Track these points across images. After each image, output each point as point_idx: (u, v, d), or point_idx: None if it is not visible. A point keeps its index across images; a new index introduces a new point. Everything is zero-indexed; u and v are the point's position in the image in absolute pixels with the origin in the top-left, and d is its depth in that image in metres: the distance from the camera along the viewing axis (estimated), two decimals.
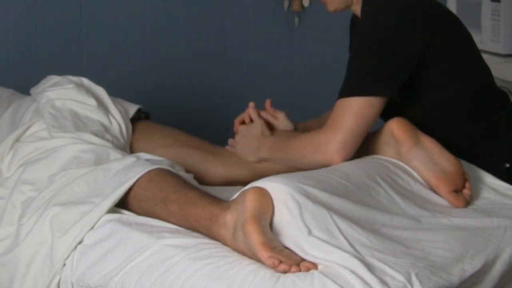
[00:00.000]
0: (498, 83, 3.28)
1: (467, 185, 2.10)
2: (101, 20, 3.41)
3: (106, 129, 2.33)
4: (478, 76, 2.34)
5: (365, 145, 2.18)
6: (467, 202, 2.08)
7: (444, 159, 2.10)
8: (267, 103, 2.42)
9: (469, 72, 2.31)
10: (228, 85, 3.72)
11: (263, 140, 2.29)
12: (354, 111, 2.10)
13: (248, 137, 2.33)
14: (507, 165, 2.31)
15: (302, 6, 3.78)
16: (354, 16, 2.44)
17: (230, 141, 2.41)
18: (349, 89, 2.13)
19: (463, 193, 2.09)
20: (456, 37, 2.30)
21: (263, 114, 2.41)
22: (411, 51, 2.15)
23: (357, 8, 2.34)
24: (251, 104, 2.42)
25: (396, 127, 2.12)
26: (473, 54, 2.36)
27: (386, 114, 2.19)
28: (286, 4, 3.78)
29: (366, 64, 2.15)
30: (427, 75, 2.21)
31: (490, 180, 2.21)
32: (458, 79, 2.27)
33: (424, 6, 2.23)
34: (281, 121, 2.40)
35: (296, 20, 3.80)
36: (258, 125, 2.35)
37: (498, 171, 2.27)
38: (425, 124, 2.19)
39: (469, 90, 2.29)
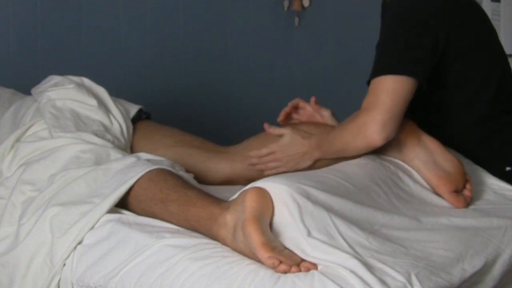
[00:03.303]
0: None
1: (467, 186, 2.10)
2: (101, 20, 3.41)
3: (107, 129, 2.33)
4: (495, 77, 2.30)
5: None
6: (467, 203, 2.08)
7: (445, 159, 2.10)
8: (312, 101, 2.37)
9: (487, 72, 2.28)
10: (228, 84, 3.72)
11: (308, 142, 2.24)
12: (388, 90, 2.06)
13: (289, 148, 2.27)
14: (508, 168, 2.30)
15: (302, 6, 3.78)
16: (384, 1, 2.41)
17: (254, 161, 2.33)
18: (382, 68, 2.10)
19: (463, 194, 2.09)
20: (479, 33, 2.29)
21: (309, 108, 2.37)
22: (439, 39, 2.14)
23: None
24: (298, 99, 2.38)
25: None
26: (496, 52, 2.33)
27: None
28: (286, 4, 3.79)
29: (397, 45, 2.12)
30: (446, 71, 2.20)
31: (490, 180, 2.21)
32: (474, 78, 2.25)
33: None
34: (327, 119, 2.37)
35: (296, 20, 3.80)
36: (289, 134, 2.28)
37: (499, 173, 2.27)
38: (434, 122, 2.19)
39: (483, 91, 2.27)
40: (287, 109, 2.38)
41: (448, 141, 2.23)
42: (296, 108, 2.38)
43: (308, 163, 2.24)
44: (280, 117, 2.39)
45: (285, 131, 2.29)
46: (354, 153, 2.11)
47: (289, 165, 2.25)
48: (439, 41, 2.14)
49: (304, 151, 2.24)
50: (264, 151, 2.27)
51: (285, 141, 2.27)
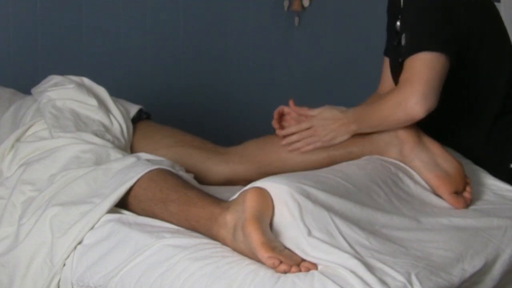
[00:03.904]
0: None
1: (468, 188, 2.10)
2: (101, 20, 3.41)
3: (107, 129, 2.33)
4: (505, 75, 2.32)
5: (368, 145, 2.18)
6: (467, 205, 2.08)
7: (446, 160, 2.11)
8: (291, 104, 2.36)
9: (499, 69, 2.30)
10: (228, 84, 3.72)
11: (345, 115, 2.23)
12: (425, 63, 2.09)
13: (328, 121, 2.26)
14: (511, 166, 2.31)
15: (302, 6, 3.78)
16: None
17: (279, 132, 2.33)
18: (418, 46, 2.13)
19: (463, 196, 2.09)
20: (496, 30, 2.32)
21: (292, 112, 2.36)
22: (462, 27, 2.18)
23: None
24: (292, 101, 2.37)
25: (400, 128, 2.13)
26: (508, 52, 2.35)
27: None
28: (286, 4, 3.79)
29: (430, 24, 2.15)
30: (462, 61, 2.21)
31: (490, 181, 2.22)
32: (488, 74, 2.27)
33: None
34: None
35: (296, 20, 3.81)
36: (327, 107, 2.28)
37: (502, 170, 2.28)
38: (442, 119, 2.20)
39: (494, 87, 2.30)
40: (275, 119, 2.37)
41: (453, 137, 2.24)
42: (282, 115, 2.38)
43: (345, 137, 2.23)
44: (276, 125, 2.36)
45: (321, 109, 2.30)
46: (394, 126, 2.13)
47: (326, 139, 2.25)
48: (462, 29, 2.18)
49: (341, 123, 2.23)
50: (304, 125, 2.27)
51: (324, 115, 2.26)
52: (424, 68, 2.09)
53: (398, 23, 2.33)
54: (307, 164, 2.23)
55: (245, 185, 1.89)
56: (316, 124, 2.26)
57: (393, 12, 2.41)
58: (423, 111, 2.07)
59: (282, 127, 2.36)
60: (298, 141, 2.27)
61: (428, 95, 2.07)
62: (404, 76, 2.12)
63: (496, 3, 3.47)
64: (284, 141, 2.28)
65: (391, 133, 2.15)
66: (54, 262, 1.92)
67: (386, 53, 2.52)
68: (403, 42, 2.24)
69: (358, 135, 2.25)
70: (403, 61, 2.16)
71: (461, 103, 2.28)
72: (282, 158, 2.29)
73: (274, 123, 2.36)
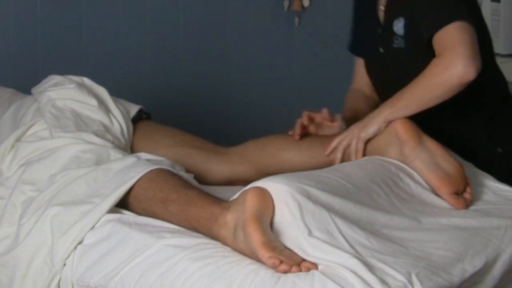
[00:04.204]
0: None
1: (468, 189, 2.10)
2: (101, 20, 3.41)
3: (107, 129, 2.33)
4: (493, 58, 2.39)
5: (369, 145, 2.18)
6: (467, 206, 2.08)
7: (446, 161, 2.11)
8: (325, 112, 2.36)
9: (487, 50, 2.32)
10: (228, 85, 3.72)
11: (371, 114, 2.22)
12: (462, 30, 2.12)
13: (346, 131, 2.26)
14: (500, 150, 2.35)
15: (302, 6, 3.78)
16: None
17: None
18: (446, 17, 2.16)
19: (463, 197, 2.09)
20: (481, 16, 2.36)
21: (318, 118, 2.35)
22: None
23: None
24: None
25: (400, 127, 2.13)
26: (488, 39, 2.39)
27: None
28: (286, 4, 3.78)
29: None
30: None
31: (490, 182, 2.22)
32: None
33: None
34: (336, 126, 2.35)
35: (296, 20, 3.80)
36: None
37: (491, 155, 2.32)
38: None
39: (484, 73, 2.28)
40: (303, 121, 2.33)
41: (442, 121, 2.29)
42: (312, 120, 2.34)
43: (375, 127, 2.18)
44: (298, 130, 2.32)
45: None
46: (443, 97, 2.13)
47: (361, 134, 2.19)
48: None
49: (370, 116, 2.21)
50: (334, 143, 2.23)
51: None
52: (463, 33, 2.12)
53: (382, 7, 2.34)
54: (306, 165, 2.23)
55: (245, 185, 1.89)
56: (342, 139, 2.23)
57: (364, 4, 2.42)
58: (474, 72, 2.09)
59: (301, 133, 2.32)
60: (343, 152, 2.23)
61: (476, 55, 2.10)
62: (444, 45, 2.13)
63: (496, 3, 3.48)
64: (337, 161, 2.22)
65: (391, 133, 2.15)
66: (54, 262, 1.92)
67: (353, 50, 2.54)
68: (396, 28, 2.26)
69: None
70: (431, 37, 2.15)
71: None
72: (281, 158, 2.29)
73: (297, 128, 2.32)
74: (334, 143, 2.23)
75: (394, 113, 2.17)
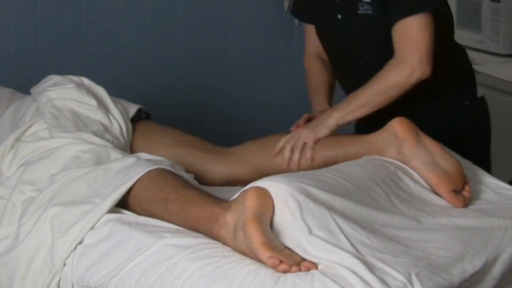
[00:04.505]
0: (498, 83, 3.30)
1: (466, 187, 2.10)
2: (101, 20, 3.41)
3: (107, 129, 2.33)
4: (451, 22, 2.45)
5: (367, 144, 2.18)
6: (466, 204, 2.08)
7: (444, 159, 2.11)
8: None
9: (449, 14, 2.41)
10: (228, 85, 3.72)
11: (322, 116, 2.28)
12: (422, 25, 2.21)
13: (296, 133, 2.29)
14: (467, 102, 2.43)
15: None
16: None
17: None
18: (410, 7, 2.22)
19: (462, 194, 2.09)
20: None
21: None
22: None
23: None
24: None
25: (398, 127, 2.13)
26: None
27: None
28: (286, 4, 3.78)
29: None
30: None
31: (490, 180, 2.22)
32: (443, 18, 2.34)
33: None
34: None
35: (296, 20, 3.80)
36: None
37: (458, 107, 2.41)
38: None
39: (448, 32, 2.41)
40: (300, 122, 2.37)
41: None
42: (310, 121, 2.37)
43: (329, 122, 2.24)
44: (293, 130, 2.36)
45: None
46: (398, 95, 2.23)
47: (310, 134, 2.24)
48: None
49: (316, 122, 2.25)
50: (280, 144, 2.27)
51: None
52: (423, 30, 2.22)
53: None
54: (304, 165, 2.23)
55: (244, 185, 1.89)
56: (290, 138, 2.27)
57: None
58: (429, 71, 2.22)
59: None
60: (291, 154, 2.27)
61: (431, 54, 2.21)
62: (402, 42, 2.22)
63: (496, 3, 3.48)
64: (285, 165, 2.26)
65: (389, 133, 2.15)
66: (54, 262, 1.92)
67: (301, 17, 2.57)
68: None
69: (356, 136, 2.24)
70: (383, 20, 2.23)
71: None
72: (280, 159, 2.29)
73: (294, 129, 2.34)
74: (281, 143, 2.27)
75: (347, 116, 2.25)
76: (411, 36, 2.22)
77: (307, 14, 2.52)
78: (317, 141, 2.24)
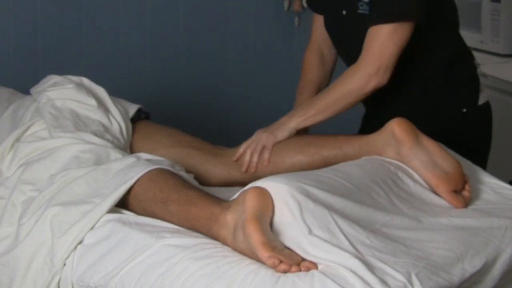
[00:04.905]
0: (498, 83, 3.29)
1: (466, 187, 2.10)
2: (101, 20, 3.41)
3: (106, 129, 2.33)
4: (456, 27, 2.44)
5: (366, 145, 2.18)
6: (466, 204, 2.08)
7: (444, 159, 2.10)
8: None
9: (453, 18, 2.41)
10: (228, 85, 3.72)
11: (282, 118, 2.30)
12: (392, 35, 2.21)
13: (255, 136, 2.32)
14: (464, 109, 2.41)
15: (302, 6, 3.78)
16: None
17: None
18: (384, 15, 2.23)
19: (462, 194, 2.09)
20: None
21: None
22: None
23: None
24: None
25: (397, 128, 2.12)
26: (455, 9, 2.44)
27: None
28: (286, 4, 3.79)
29: None
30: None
31: (490, 180, 2.21)
32: (443, 23, 2.35)
33: None
34: None
35: (296, 20, 3.81)
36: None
37: (455, 114, 2.40)
38: (403, 59, 2.27)
39: (450, 32, 2.40)
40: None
41: (409, 81, 2.36)
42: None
43: (283, 134, 2.28)
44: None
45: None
46: (356, 102, 2.26)
47: (268, 138, 2.27)
48: None
49: (274, 127, 2.28)
50: (241, 149, 2.31)
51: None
52: (391, 40, 2.21)
53: None
54: (302, 167, 2.23)
55: (243, 186, 1.89)
56: (249, 144, 2.31)
57: None
58: (386, 81, 2.23)
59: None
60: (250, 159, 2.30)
61: (392, 65, 2.23)
62: (368, 47, 2.23)
63: (496, 3, 3.47)
64: (244, 168, 2.29)
65: (388, 134, 2.15)
66: (54, 262, 1.92)
67: (313, 6, 2.56)
68: None
69: (355, 136, 2.24)
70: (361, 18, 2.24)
71: (418, 47, 2.33)
72: (276, 161, 2.29)
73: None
74: (241, 148, 2.31)
75: (306, 121, 2.29)
76: (377, 43, 2.22)
77: (320, 5, 2.53)
78: (315, 142, 2.25)
